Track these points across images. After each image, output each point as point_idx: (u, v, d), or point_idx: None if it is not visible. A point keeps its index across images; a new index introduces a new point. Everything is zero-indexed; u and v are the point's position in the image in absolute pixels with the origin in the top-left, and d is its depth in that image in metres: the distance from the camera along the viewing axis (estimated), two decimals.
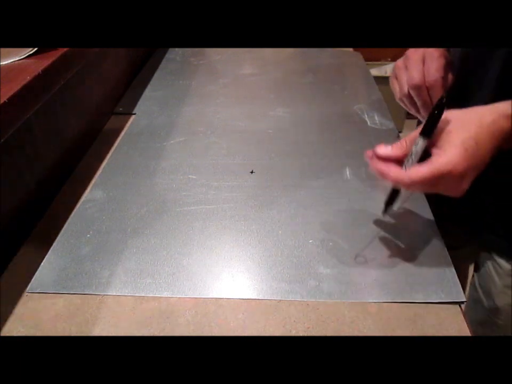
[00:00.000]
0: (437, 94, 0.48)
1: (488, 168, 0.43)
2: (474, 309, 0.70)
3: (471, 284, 0.72)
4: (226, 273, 0.50)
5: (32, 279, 0.50)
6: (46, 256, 0.52)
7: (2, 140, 0.43)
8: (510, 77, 0.44)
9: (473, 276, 0.72)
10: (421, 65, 0.49)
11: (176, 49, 1.13)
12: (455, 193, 0.43)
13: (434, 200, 0.60)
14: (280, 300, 0.47)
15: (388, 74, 1.97)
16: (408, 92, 0.50)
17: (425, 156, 0.43)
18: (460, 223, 0.68)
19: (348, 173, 0.52)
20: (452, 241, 0.54)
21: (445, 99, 0.42)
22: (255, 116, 0.81)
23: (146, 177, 0.65)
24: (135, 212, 0.59)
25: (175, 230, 0.56)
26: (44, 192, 0.62)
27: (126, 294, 0.48)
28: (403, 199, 0.50)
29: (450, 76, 0.50)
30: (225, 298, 0.47)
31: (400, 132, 1.74)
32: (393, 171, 0.43)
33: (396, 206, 0.50)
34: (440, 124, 0.42)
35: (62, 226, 0.57)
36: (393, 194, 0.49)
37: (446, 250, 0.52)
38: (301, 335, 0.43)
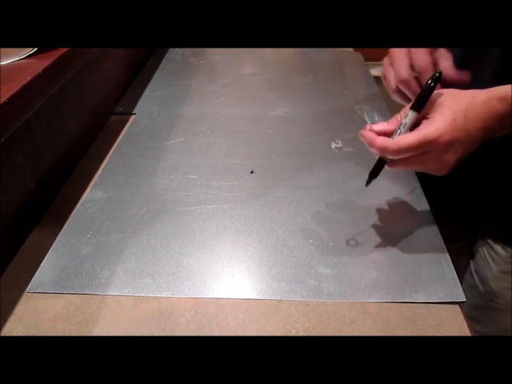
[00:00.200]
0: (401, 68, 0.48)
1: (483, 153, 0.43)
2: (470, 293, 0.70)
3: (466, 270, 0.72)
4: (226, 273, 0.50)
5: (32, 279, 0.50)
6: (46, 256, 0.52)
7: (2, 140, 0.43)
8: (505, 77, 0.44)
9: (468, 262, 0.72)
10: (405, 60, 0.49)
11: (176, 49, 1.13)
12: (441, 168, 0.43)
13: (428, 187, 0.60)
14: (280, 300, 0.47)
15: None
16: (398, 87, 0.51)
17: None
18: (455, 210, 0.68)
19: (334, 145, 0.52)
20: (448, 233, 0.54)
21: (438, 74, 0.42)
22: (255, 115, 0.81)
23: (146, 177, 0.65)
24: (135, 211, 0.59)
25: (175, 230, 0.56)
26: (44, 192, 0.62)
27: (126, 294, 0.48)
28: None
29: (448, 63, 0.49)
30: (225, 298, 0.47)
31: None
32: (381, 139, 0.43)
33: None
34: (432, 97, 0.43)
35: (62, 226, 0.57)
36: (379, 166, 0.48)
37: (446, 250, 0.52)
38: (301, 335, 0.43)
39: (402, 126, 0.44)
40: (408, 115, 0.44)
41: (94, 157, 0.71)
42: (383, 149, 0.43)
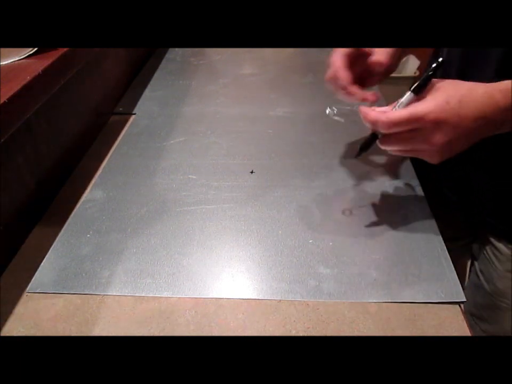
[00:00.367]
0: (343, 77, 0.52)
1: (482, 151, 0.43)
2: (476, 293, 0.70)
3: (471, 270, 0.72)
4: (226, 273, 0.50)
5: (32, 279, 0.50)
6: (46, 256, 0.52)
7: (2, 140, 0.43)
8: (506, 76, 0.44)
9: (472, 262, 0.72)
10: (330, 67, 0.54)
11: (176, 49, 1.13)
12: (430, 150, 0.43)
13: (428, 187, 0.61)
14: (280, 300, 0.47)
15: None
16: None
17: None
18: (455, 209, 0.68)
19: (329, 110, 0.53)
20: (448, 232, 0.54)
21: (441, 61, 0.44)
22: (255, 116, 0.81)
23: (146, 177, 0.65)
24: (135, 211, 0.59)
25: (175, 230, 0.56)
26: (44, 192, 0.62)
27: (126, 294, 0.48)
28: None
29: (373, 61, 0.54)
30: (225, 298, 0.47)
31: None
32: (375, 112, 0.44)
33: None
34: (432, 84, 0.44)
35: (62, 226, 0.57)
36: (370, 141, 0.49)
37: (446, 250, 0.52)
38: (301, 335, 0.43)
39: (399, 104, 0.45)
40: (406, 95, 0.45)
41: (94, 157, 0.71)
42: (375, 121, 0.44)
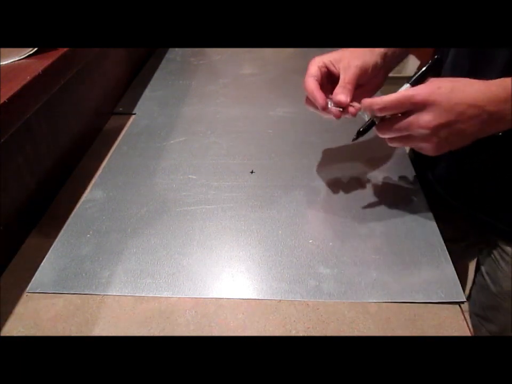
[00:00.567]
0: (319, 98, 0.52)
1: (481, 152, 0.44)
2: (482, 294, 0.70)
3: (477, 271, 0.72)
4: (226, 273, 0.50)
5: (32, 279, 0.50)
6: (46, 256, 0.52)
7: (2, 140, 0.43)
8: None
9: (478, 263, 0.72)
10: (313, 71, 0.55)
11: (176, 49, 1.13)
12: (424, 133, 0.44)
13: (428, 188, 0.61)
14: (280, 300, 0.47)
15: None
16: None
17: None
18: (461, 211, 0.68)
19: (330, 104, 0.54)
20: (450, 231, 0.54)
21: (438, 57, 0.46)
22: (255, 116, 0.81)
23: (146, 177, 0.65)
24: (135, 211, 0.59)
25: (175, 230, 0.56)
26: (44, 192, 0.62)
27: (126, 294, 0.48)
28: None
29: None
30: (225, 298, 0.47)
31: None
32: (371, 98, 0.47)
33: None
34: (431, 79, 0.45)
35: (62, 226, 0.57)
36: (368, 125, 0.50)
37: (446, 250, 0.52)
38: (301, 335, 0.43)
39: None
40: (403, 87, 0.47)
41: (94, 157, 0.71)
42: (370, 104, 0.46)
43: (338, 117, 0.53)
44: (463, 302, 0.46)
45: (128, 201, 0.60)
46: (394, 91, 0.48)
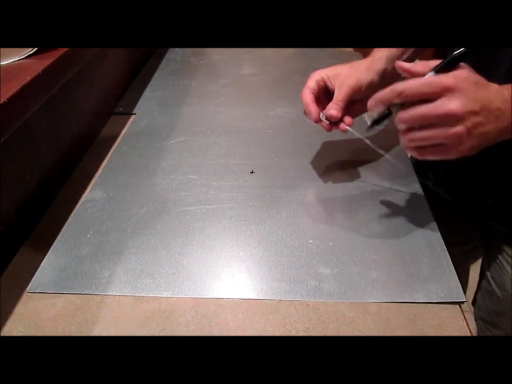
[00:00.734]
0: (313, 111, 0.55)
1: (485, 156, 0.43)
2: (488, 299, 0.70)
3: (482, 275, 0.72)
4: (226, 273, 0.50)
5: (32, 279, 0.50)
6: (46, 256, 0.52)
7: (2, 140, 0.43)
8: None
9: (483, 267, 0.72)
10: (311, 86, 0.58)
11: (176, 49, 1.13)
12: (446, 125, 0.42)
13: (429, 188, 0.61)
14: (280, 300, 0.47)
15: None
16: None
17: None
18: (464, 214, 0.68)
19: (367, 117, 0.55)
20: (457, 236, 0.54)
21: (465, 50, 0.44)
22: (255, 116, 0.81)
23: (146, 177, 0.65)
24: (135, 211, 0.59)
25: (175, 230, 0.56)
26: (44, 192, 0.62)
27: (126, 294, 0.48)
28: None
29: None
30: (225, 298, 0.47)
31: None
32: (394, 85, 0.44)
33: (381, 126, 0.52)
34: (456, 69, 0.43)
35: (62, 226, 0.57)
36: (385, 115, 0.49)
37: (446, 250, 0.52)
38: (301, 335, 0.43)
39: None
40: (428, 74, 0.44)
41: (94, 157, 0.71)
42: (392, 89, 0.44)
43: (328, 130, 0.56)
44: (463, 302, 0.46)
45: (128, 201, 0.60)
46: None
